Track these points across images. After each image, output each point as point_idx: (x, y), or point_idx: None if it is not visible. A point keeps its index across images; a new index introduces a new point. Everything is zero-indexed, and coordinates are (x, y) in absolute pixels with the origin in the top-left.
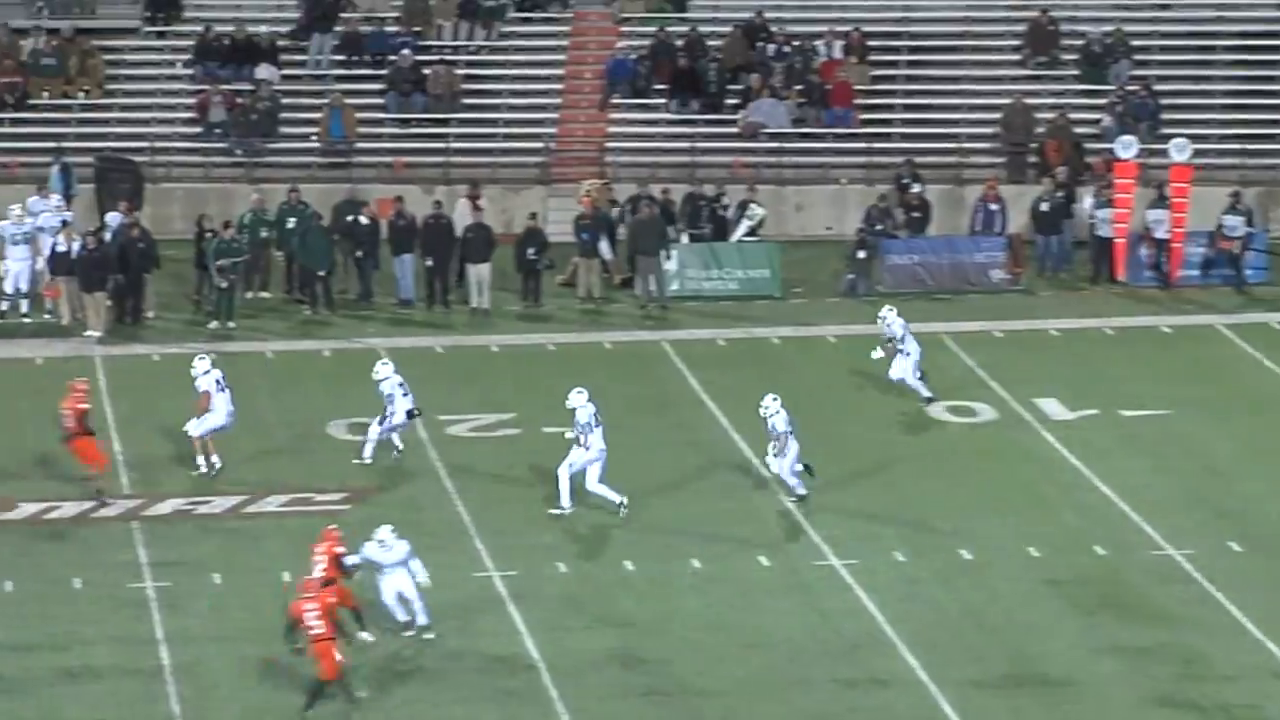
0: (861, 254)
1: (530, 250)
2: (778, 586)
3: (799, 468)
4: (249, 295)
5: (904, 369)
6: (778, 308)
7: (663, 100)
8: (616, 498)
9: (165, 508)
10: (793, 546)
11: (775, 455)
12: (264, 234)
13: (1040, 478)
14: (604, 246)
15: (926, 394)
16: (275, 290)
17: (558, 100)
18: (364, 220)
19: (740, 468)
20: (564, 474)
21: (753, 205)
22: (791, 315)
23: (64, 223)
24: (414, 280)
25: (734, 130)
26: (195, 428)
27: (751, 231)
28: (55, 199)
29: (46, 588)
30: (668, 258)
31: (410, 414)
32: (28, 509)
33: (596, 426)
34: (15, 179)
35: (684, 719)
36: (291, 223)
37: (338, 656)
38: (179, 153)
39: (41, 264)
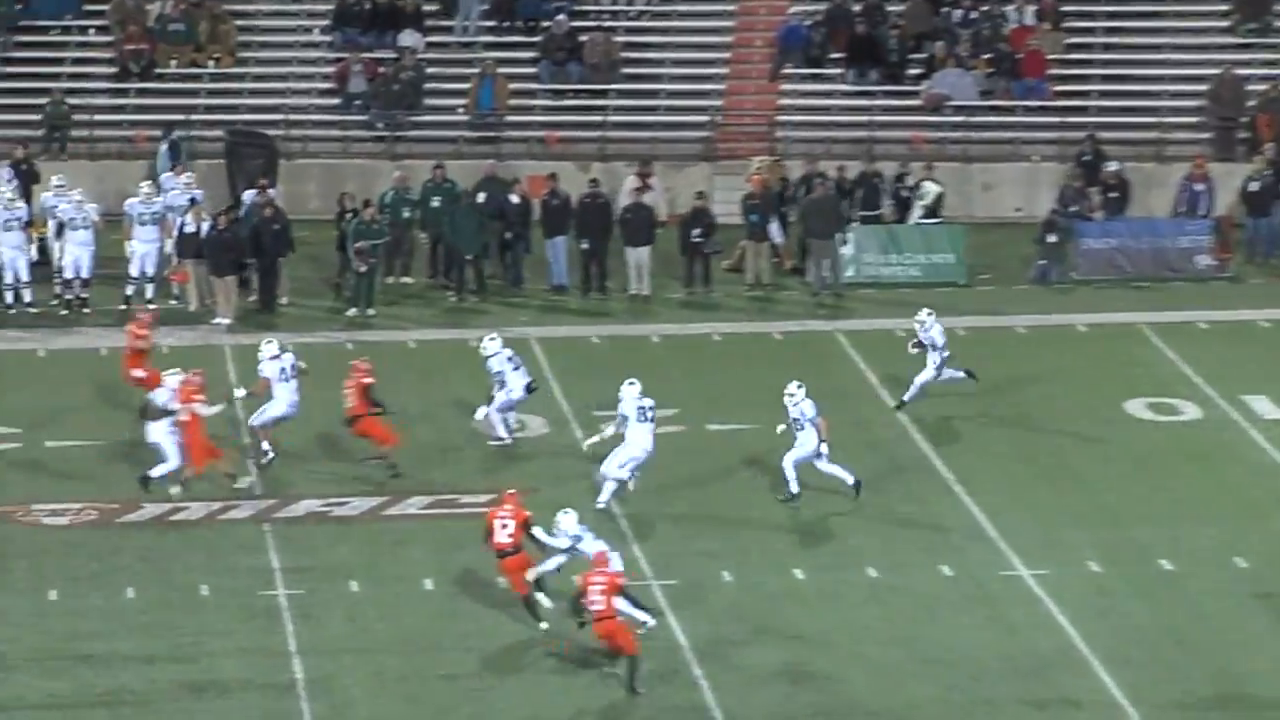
0: (1053, 237)
1: (695, 232)
2: (960, 598)
3: (838, 471)
4: (390, 280)
5: (925, 377)
6: (962, 296)
7: (839, 70)
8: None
9: (299, 509)
10: (977, 555)
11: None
12: (406, 214)
13: (1249, 482)
14: (774, 229)
15: (905, 398)
16: (418, 275)
17: (724, 70)
18: (514, 199)
19: (921, 469)
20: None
21: (925, 183)
22: (977, 304)
23: (192, 201)
24: (568, 265)
25: (916, 103)
26: (256, 417)
27: (930, 213)
28: (186, 176)
29: (171, 595)
30: (843, 241)
31: (529, 388)
32: (152, 510)
33: (645, 420)
34: (142, 154)
35: None
36: (436, 202)
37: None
38: (316, 126)
39: (170, 246)
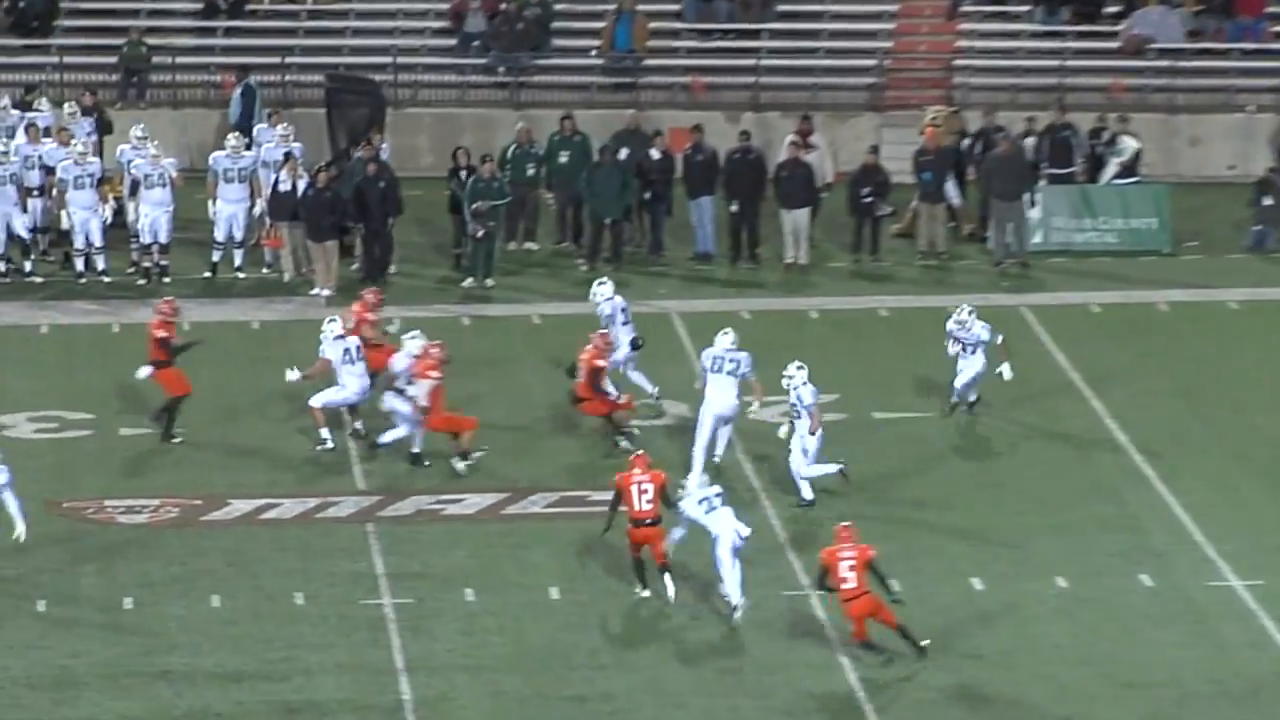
0: (1270, 200)
1: (864, 192)
2: (1163, 612)
3: (830, 469)
4: (512, 247)
5: (975, 369)
6: (1166, 265)
7: (1025, 8)
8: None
9: (406, 507)
10: (1182, 562)
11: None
12: (531, 171)
13: None
14: (950, 189)
15: (958, 396)
16: (545, 240)
17: (895, 7)
18: (655, 155)
19: (1119, 465)
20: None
21: (1123, 138)
22: (1184, 275)
23: (288, 156)
24: (714, 229)
25: (1113, 45)
26: (318, 398)
27: (1128, 171)
28: (282, 126)
29: (262, 604)
30: (1031, 204)
31: (635, 344)
32: (240, 507)
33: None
34: (230, 102)
35: None
36: (564, 157)
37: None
38: (428, 71)
39: (261, 207)
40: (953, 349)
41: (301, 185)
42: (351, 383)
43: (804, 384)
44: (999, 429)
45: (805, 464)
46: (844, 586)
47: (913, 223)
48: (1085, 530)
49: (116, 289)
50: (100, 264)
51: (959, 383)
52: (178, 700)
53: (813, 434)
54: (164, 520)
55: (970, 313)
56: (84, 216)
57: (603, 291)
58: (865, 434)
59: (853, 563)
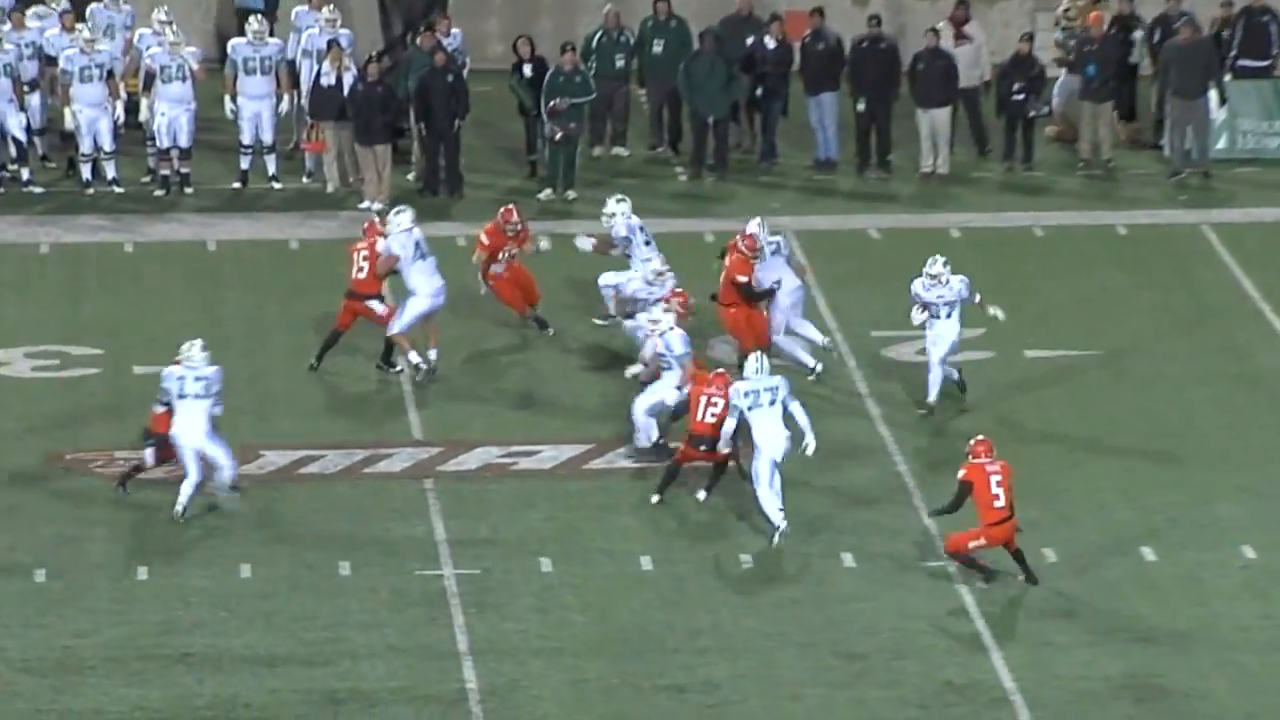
0: None
1: (1016, 87)
2: None
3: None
4: (597, 152)
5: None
6: None
7: None
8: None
9: (470, 460)
10: None
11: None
12: (620, 63)
13: None
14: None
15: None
16: (636, 145)
17: None
18: (769, 43)
19: None
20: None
21: None
22: None
23: (332, 44)
24: (838, 132)
25: None
26: (395, 324)
27: None
28: (327, 9)
29: (301, 575)
30: (1222, 102)
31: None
32: (275, 459)
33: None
34: None
35: None
36: (659, 47)
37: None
38: None
39: (288, 105)
40: (919, 316)
41: (349, 79)
42: (422, 283)
43: (670, 329)
44: (1173, 370)
45: (643, 409)
46: (995, 506)
47: (1074, 125)
48: (1278, 492)
49: (130, 201)
50: (110, 171)
51: (937, 356)
52: (200, 688)
53: (680, 389)
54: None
55: (945, 264)
56: (91, 115)
57: (619, 207)
58: (1016, 375)
59: (1000, 478)
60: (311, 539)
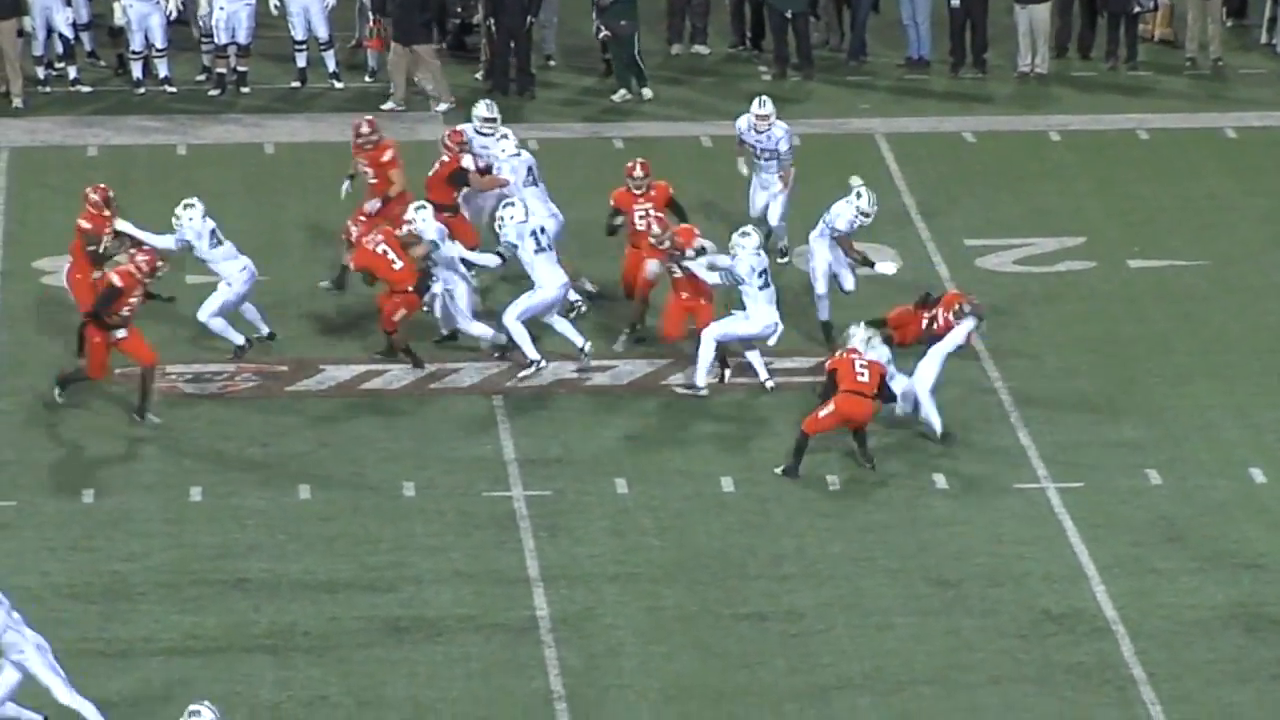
0: None
1: None
2: None
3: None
4: (676, 50)
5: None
6: None
7: None
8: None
9: (543, 375)
10: None
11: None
12: None
13: None
14: None
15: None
16: (717, 42)
17: None
18: None
19: None
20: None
21: None
22: None
23: None
24: (931, 28)
25: None
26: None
27: None
28: None
29: (362, 498)
30: None
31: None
32: (336, 374)
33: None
34: None
35: None
36: None
37: None
38: None
39: None
40: (745, 167)
41: None
42: (539, 208)
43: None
44: None
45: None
46: (858, 380)
47: (1171, 20)
48: None
49: (183, 101)
50: (163, 70)
51: (760, 208)
52: (256, 615)
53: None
54: (241, 390)
55: (771, 104)
56: (142, 12)
57: (421, 216)
58: (1118, 286)
59: (868, 364)
60: (374, 459)
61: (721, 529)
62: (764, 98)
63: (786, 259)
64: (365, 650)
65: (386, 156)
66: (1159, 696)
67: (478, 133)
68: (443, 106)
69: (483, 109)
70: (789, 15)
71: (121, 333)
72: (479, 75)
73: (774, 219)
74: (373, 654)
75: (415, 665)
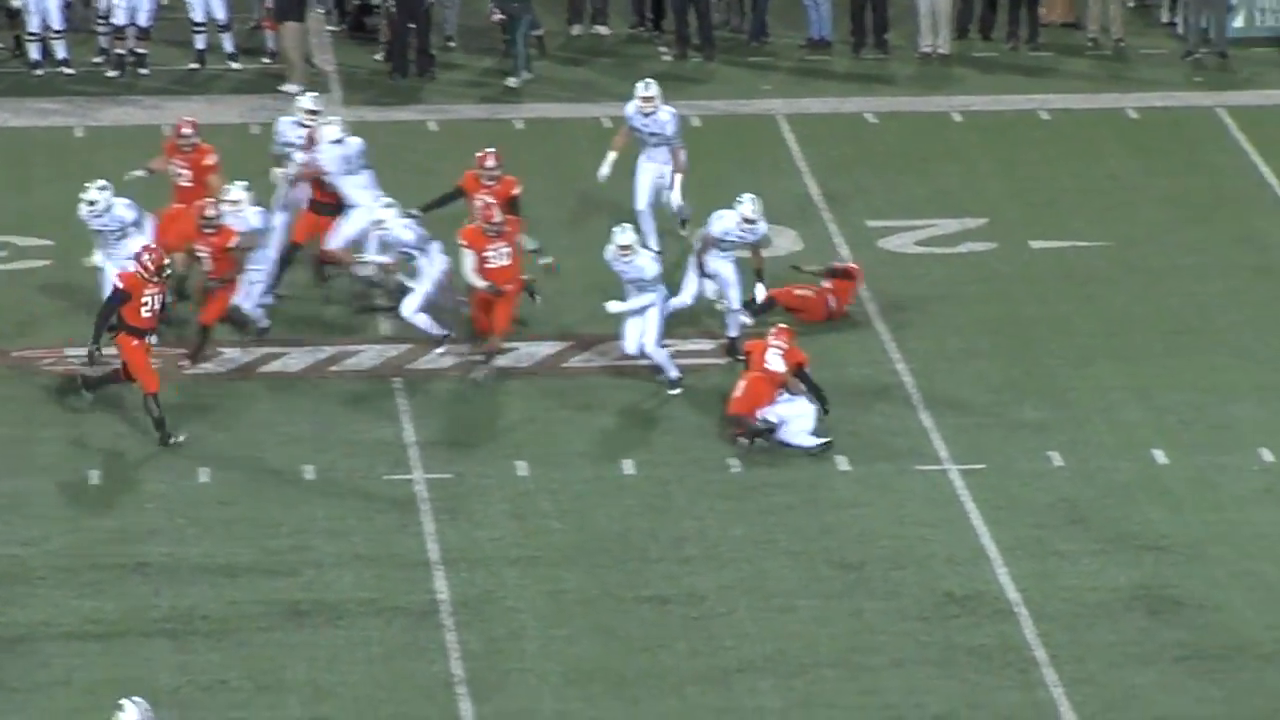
0: None
1: None
2: None
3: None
4: (577, 30)
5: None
6: None
7: None
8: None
9: (443, 358)
10: None
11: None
12: None
13: None
14: None
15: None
16: (617, 22)
17: None
18: None
19: None
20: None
21: None
22: None
23: None
24: (832, 9)
25: None
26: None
27: None
28: None
29: (262, 480)
30: None
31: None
32: (235, 357)
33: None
34: None
35: (1241, 694)
36: None
37: None
38: None
39: None
40: (607, 167)
41: None
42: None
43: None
44: (1187, 262)
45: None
46: (766, 366)
47: (1079, 2)
48: None
49: (81, 83)
50: (61, 51)
51: (648, 200)
52: (156, 599)
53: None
54: None
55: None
56: None
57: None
58: (1020, 268)
59: (781, 348)
60: (274, 441)
61: (622, 512)
62: (649, 80)
63: (686, 231)
64: (265, 634)
65: (209, 160)
66: (1061, 678)
67: (297, 124)
68: (292, 88)
69: (308, 102)
70: None
71: (152, 338)
72: (378, 56)
73: (675, 201)
74: (273, 638)
75: (315, 649)
